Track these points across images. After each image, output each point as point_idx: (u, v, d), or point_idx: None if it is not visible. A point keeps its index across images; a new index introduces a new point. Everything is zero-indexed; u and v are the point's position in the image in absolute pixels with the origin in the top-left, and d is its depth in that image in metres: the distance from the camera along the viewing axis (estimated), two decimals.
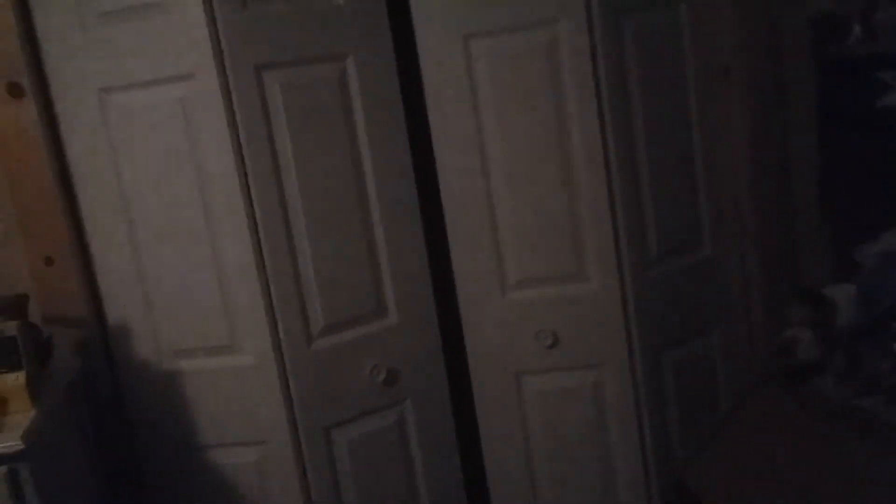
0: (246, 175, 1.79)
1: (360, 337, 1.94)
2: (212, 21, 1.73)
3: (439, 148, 1.96)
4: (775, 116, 2.02)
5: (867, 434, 1.54)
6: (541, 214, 1.95)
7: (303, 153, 1.84)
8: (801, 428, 1.58)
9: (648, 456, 2.04)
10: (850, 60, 1.95)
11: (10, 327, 1.66)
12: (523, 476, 2.09)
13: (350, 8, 1.85)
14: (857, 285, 1.66)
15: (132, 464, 1.96)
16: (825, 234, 2.04)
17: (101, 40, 1.77)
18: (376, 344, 1.95)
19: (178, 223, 1.83)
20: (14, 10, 1.76)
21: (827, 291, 1.66)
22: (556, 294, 1.99)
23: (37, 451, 1.53)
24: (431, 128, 1.95)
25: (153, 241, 1.85)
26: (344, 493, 1.96)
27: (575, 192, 1.93)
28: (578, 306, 1.98)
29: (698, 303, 2.09)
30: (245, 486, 1.93)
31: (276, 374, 1.86)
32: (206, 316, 1.86)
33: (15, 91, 1.82)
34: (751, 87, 2.00)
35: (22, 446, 1.49)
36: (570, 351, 2.01)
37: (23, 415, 1.60)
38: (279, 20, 1.79)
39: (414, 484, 2.04)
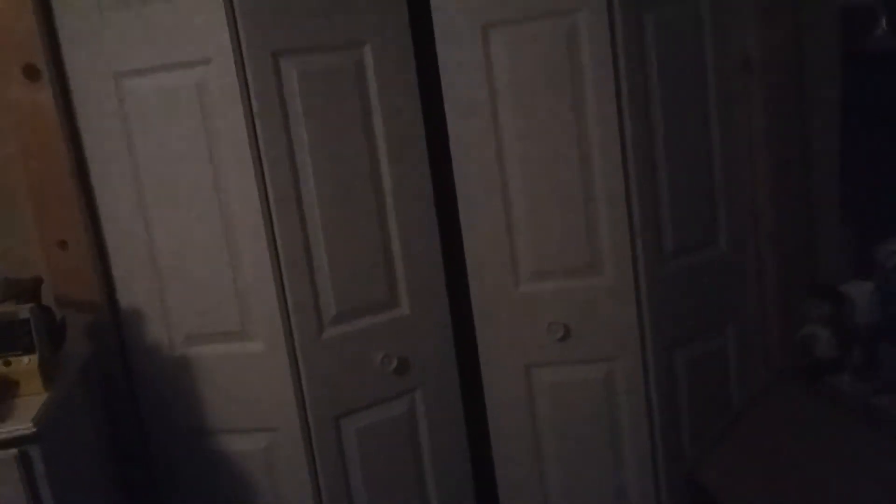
0: (261, 162, 1.78)
1: (371, 326, 1.93)
2: (229, 6, 1.72)
3: (455, 138, 1.94)
4: (796, 111, 1.99)
5: (884, 432, 1.52)
6: (556, 207, 1.93)
7: (318, 140, 1.83)
8: (817, 425, 1.57)
9: (658, 450, 2.03)
10: (874, 54, 1.92)
11: (24, 310, 1.67)
12: (532, 468, 2.08)
13: None
14: (876, 283, 1.64)
15: (142, 447, 1.96)
16: (845, 231, 2.02)
17: (117, 23, 1.76)
18: (387, 333, 1.95)
19: (191, 209, 1.83)
20: None
21: (845, 289, 1.64)
22: (569, 287, 1.98)
23: (48, 435, 1.53)
24: (447, 117, 1.94)
25: (166, 227, 1.85)
26: (353, 481, 1.96)
27: (591, 185, 1.91)
28: (591, 300, 1.97)
29: (713, 300, 2.07)
30: (254, 472, 1.93)
31: (287, 362, 1.85)
32: (218, 302, 1.86)
33: (31, 73, 1.81)
34: (771, 80, 1.97)
35: (34, 429, 1.50)
36: (581, 344, 1.99)
37: (35, 397, 1.61)
38: (297, 6, 1.77)
39: (422, 473, 2.04)
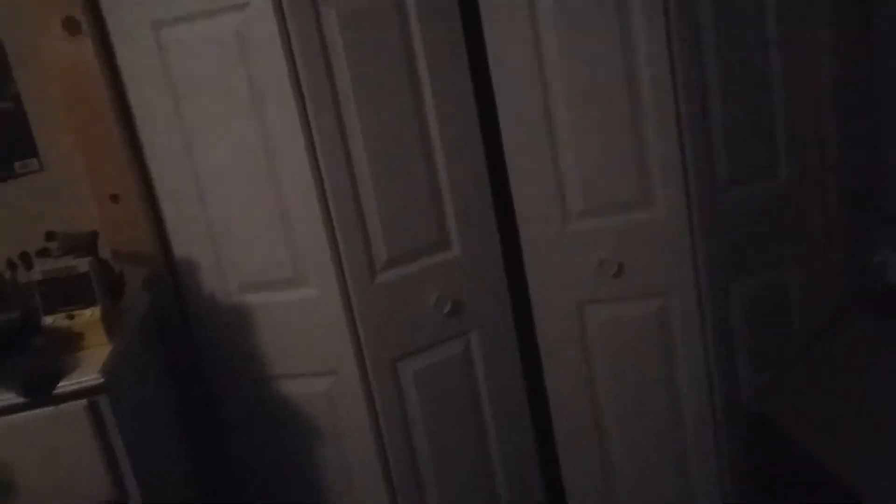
0: (305, 106, 1.75)
1: (423, 269, 1.92)
2: None
3: (498, 73, 1.88)
4: (863, 29, 1.88)
5: None
6: (604, 139, 1.87)
7: (361, 82, 1.79)
8: (888, 355, 1.53)
9: (714, 385, 2.01)
10: None
11: (83, 263, 1.69)
12: (586, 405, 2.07)
13: None
14: None
15: (205, 395, 2.01)
16: None
17: None
18: (440, 276, 1.94)
19: (238, 157, 1.81)
20: None
21: None
22: (621, 222, 1.93)
23: (115, 384, 1.57)
24: (489, 52, 1.88)
25: (215, 176, 1.84)
26: (412, 423, 1.97)
27: (640, 114, 1.84)
28: (644, 234, 1.93)
29: (772, 232, 2.01)
30: (316, 415, 1.96)
31: (342, 307, 1.86)
32: (270, 250, 1.86)
33: (71, 26, 1.80)
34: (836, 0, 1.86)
35: (101, 380, 1.53)
36: (634, 280, 1.96)
37: (99, 349, 1.65)
38: None
39: (481, 414, 2.05)
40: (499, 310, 2.03)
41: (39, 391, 1.52)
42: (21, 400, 1.52)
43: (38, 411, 1.52)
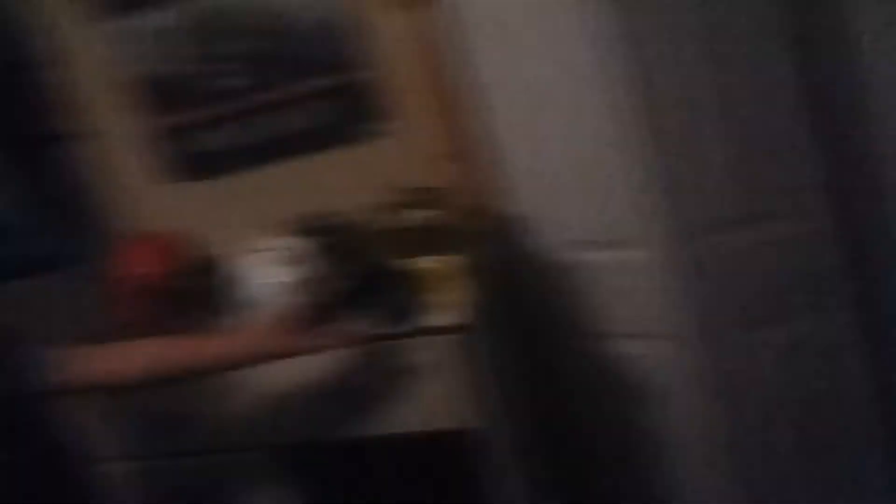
0: (629, 67, 1.71)
1: (772, 236, 1.79)
2: None
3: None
4: None
5: None
6: None
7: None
8: None
9: None
10: None
11: (442, 216, 1.84)
12: None
13: None
14: None
15: (534, 346, 2.09)
16: None
17: None
18: (793, 245, 1.80)
19: (567, 120, 1.82)
20: None
21: None
22: None
23: (477, 324, 1.70)
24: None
25: (550, 136, 1.87)
26: (739, 398, 1.86)
27: None
28: None
29: None
30: (643, 378, 1.94)
31: (676, 271, 1.79)
32: (603, 209, 1.84)
33: None
34: None
35: (467, 320, 1.66)
36: None
37: (452, 293, 1.77)
38: None
39: (817, 404, 1.88)
40: (854, 291, 1.84)
41: (406, 323, 1.68)
42: (391, 330, 1.68)
43: (409, 340, 1.67)
